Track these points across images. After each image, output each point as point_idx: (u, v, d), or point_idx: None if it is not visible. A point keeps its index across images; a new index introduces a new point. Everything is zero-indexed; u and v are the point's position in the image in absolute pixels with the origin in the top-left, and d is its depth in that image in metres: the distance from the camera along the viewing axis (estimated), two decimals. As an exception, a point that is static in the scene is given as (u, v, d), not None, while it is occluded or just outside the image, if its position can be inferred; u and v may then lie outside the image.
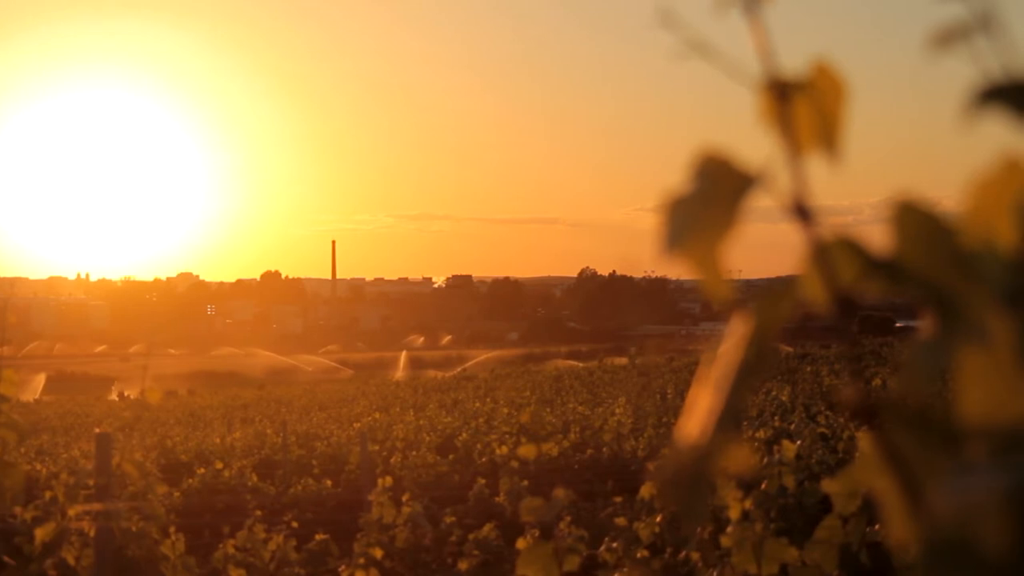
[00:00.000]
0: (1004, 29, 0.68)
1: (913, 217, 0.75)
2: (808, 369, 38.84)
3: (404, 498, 12.18)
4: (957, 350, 0.68)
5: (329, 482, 18.71)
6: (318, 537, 12.83)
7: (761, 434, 15.82)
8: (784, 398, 25.61)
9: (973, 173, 0.71)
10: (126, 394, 47.92)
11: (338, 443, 23.22)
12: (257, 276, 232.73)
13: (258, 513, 12.60)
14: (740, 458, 0.76)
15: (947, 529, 0.57)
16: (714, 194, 0.80)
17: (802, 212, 0.79)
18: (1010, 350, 0.64)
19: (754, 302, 0.80)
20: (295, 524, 12.72)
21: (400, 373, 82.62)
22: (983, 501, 0.57)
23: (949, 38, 0.70)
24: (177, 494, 17.46)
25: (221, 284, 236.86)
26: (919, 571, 0.57)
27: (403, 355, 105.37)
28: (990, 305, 0.65)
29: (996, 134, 0.68)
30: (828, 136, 0.84)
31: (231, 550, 11.53)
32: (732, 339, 0.79)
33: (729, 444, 0.76)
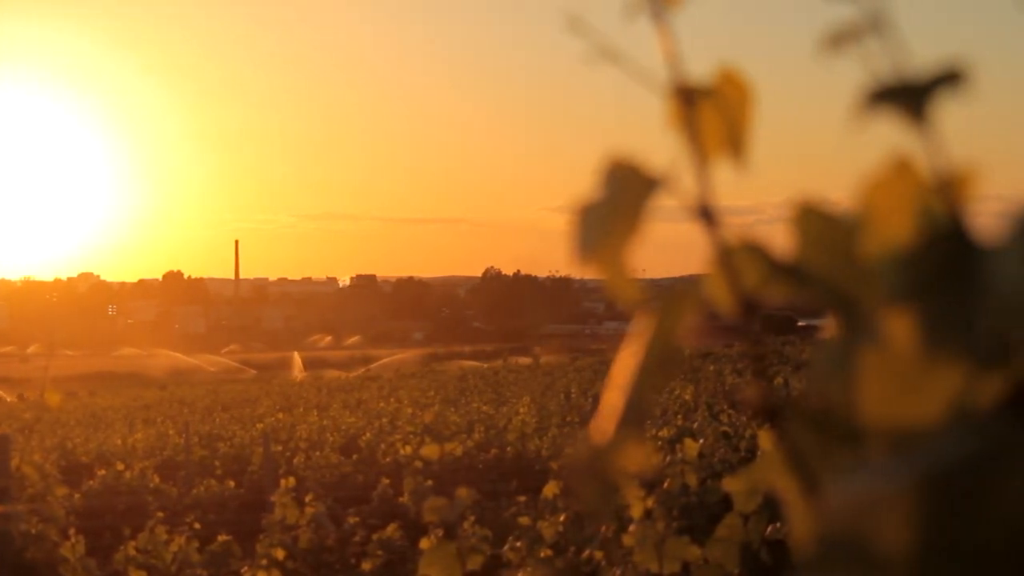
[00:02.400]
0: (893, 30, 0.70)
1: (813, 219, 0.77)
2: (711, 368, 39.07)
3: (307, 499, 12.14)
4: (857, 350, 0.69)
5: (232, 483, 18.59)
6: (220, 538, 12.73)
7: (664, 433, 15.90)
8: (687, 397, 25.74)
9: (865, 174, 0.73)
10: (26, 395, 47.32)
11: (241, 444, 23.10)
12: (159, 276, 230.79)
13: (160, 515, 12.51)
14: (640, 457, 0.77)
15: (839, 526, 0.58)
16: (621, 199, 0.81)
17: (707, 215, 0.80)
18: (906, 349, 0.66)
19: (657, 302, 0.81)
20: (197, 525, 12.65)
21: (296, 373, 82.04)
22: (876, 499, 0.58)
23: (840, 40, 0.72)
24: (77, 496, 17.27)
25: (123, 284, 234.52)
26: (810, 567, 0.59)
27: (295, 355, 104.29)
28: (886, 305, 0.67)
29: (891, 134, 0.69)
30: (734, 141, 0.85)
31: (132, 552, 11.44)
32: (635, 339, 0.81)
33: (629, 443, 0.78)
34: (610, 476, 0.78)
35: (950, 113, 0.68)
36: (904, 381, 0.66)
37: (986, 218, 0.65)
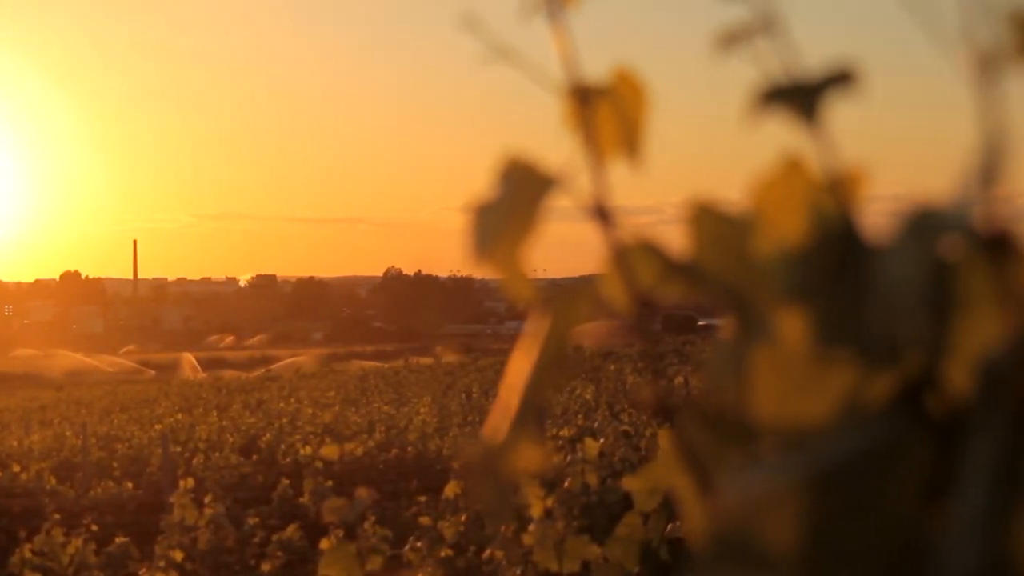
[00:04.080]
0: (784, 31, 0.71)
1: (707, 219, 0.77)
2: (612, 368, 39.21)
3: (206, 500, 12.07)
4: (750, 349, 0.70)
5: (130, 484, 18.41)
6: (118, 540, 12.62)
7: (565, 432, 15.94)
8: (588, 396, 25.84)
9: (756, 174, 0.73)
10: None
11: (139, 445, 22.89)
12: (56, 276, 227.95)
13: (57, 516, 12.38)
14: (534, 456, 0.78)
15: (731, 524, 0.59)
16: (517, 198, 0.81)
17: (603, 214, 0.81)
18: (798, 348, 0.66)
19: (552, 302, 0.81)
20: (95, 527, 12.52)
21: (187, 374, 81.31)
22: (766, 497, 0.59)
23: (733, 40, 0.72)
24: (-28, 498, 17.04)
25: (19, 284, 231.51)
26: (702, 565, 0.59)
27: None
28: (779, 304, 0.67)
29: (787, 134, 0.70)
30: (630, 140, 0.86)
31: (28, 554, 11.31)
32: (530, 339, 0.81)
33: (524, 442, 0.78)
34: (505, 475, 0.78)
35: (840, 113, 0.68)
36: (796, 380, 0.66)
37: (876, 218, 0.66)
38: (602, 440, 12.81)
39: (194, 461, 19.88)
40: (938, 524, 0.56)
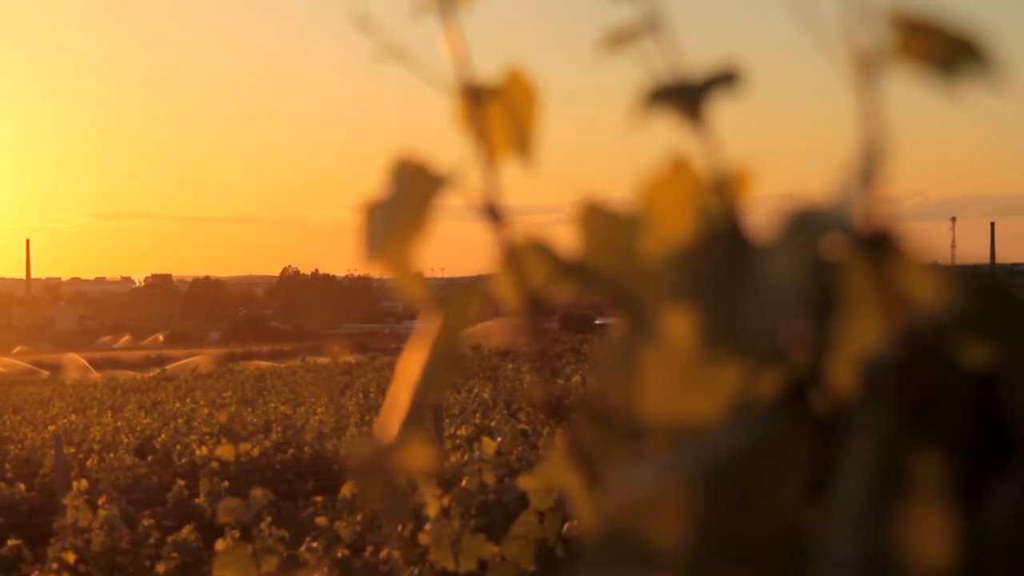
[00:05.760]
0: (670, 31, 0.71)
1: (596, 218, 0.78)
2: (510, 367, 39.26)
3: (100, 501, 11.95)
4: (638, 348, 0.70)
5: (23, 486, 18.19)
6: (10, 542, 12.48)
7: (463, 431, 15.95)
8: (486, 395, 25.87)
9: (643, 173, 0.74)
10: None
11: (32, 446, 22.62)
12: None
13: (-54, 519, 12.20)
14: (424, 455, 0.78)
15: (617, 522, 0.59)
16: (408, 197, 0.82)
17: (493, 214, 0.81)
18: (684, 347, 0.67)
19: (443, 301, 0.81)
20: (-14, 530, 12.36)
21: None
22: (652, 495, 0.59)
23: (619, 41, 0.72)
24: None
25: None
26: (588, 562, 0.59)
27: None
28: (666, 303, 0.68)
29: (675, 134, 0.70)
30: (521, 140, 0.86)
31: (-82, 558, 11.13)
32: (421, 338, 0.81)
33: (413, 442, 0.78)
34: (395, 475, 0.78)
35: (726, 114, 0.69)
36: (682, 379, 0.67)
37: (761, 217, 0.67)
38: (500, 439, 12.82)
39: (88, 462, 19.68)
40: (821, 520, 0.56)
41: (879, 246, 0.58)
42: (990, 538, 0.53)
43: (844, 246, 0.59)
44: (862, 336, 0.60)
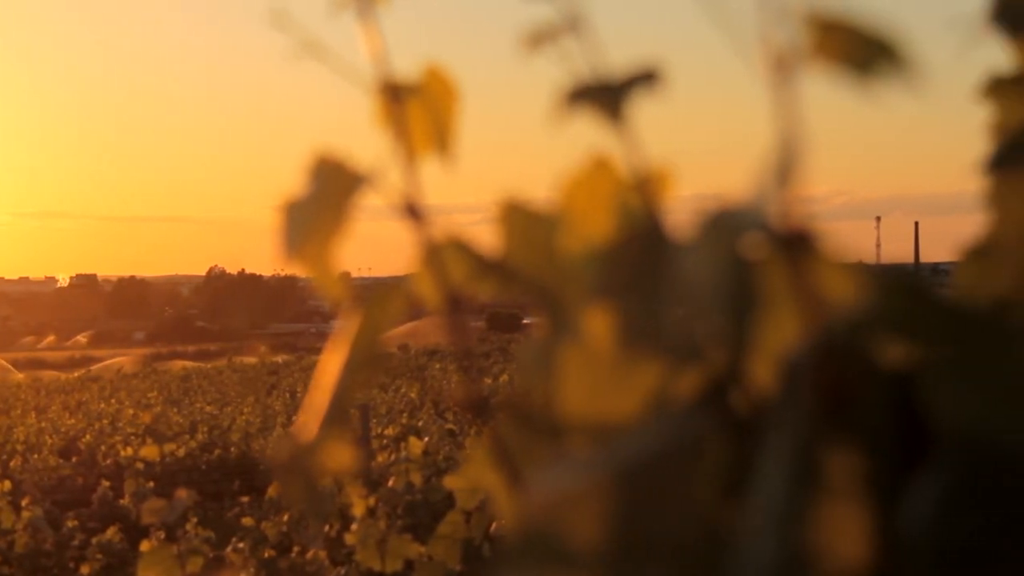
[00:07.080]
0: (590, 31, 0.71)
1: (517, 217, 0.77)
2: (437, 366, 39.27)
3: (24, 502, 11.86)
4: (559, 347, 0.70)
5: (-56, 488, 18.01)
6: (-68, 545, 12.33)
7: (389, 431, 15.96)
8: (413, 395, 25.87)
9: (564, 172, 0.74)
10: None
11: (-46, 447, 22.40)
12: None
13: None
14: (344, 456, 0.77)
15: (536, 521, 0.59)
16: (327, 196, 0.81)
17: (413, 212, 0.81)
18: (604, 346, 0.67)
19: (363, 300, 0.81)
20: (-93, 532, 12.22)
21: None
22: (570, 494, 0.59)
23: (540, 39, 0.72)
24: None
25: None
26: (506, 562, 0.59)
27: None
28: (586, 302, 0.68)
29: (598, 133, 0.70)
30: (441, 138, 0.86)
31: None
32: (341, 337, 0.80)
33: (333, 442, 0.77)
34: (316, 475, 0.78)
35: (646, 113, 0.69)
36: (602, 378, 0.67)
37: (681, 216, 0.67)
38: (427, 439, 12.83)
39: (11, 463, 19.51)
40: (740, 519, 0.56)
41: (796, 245, 0.58)
42: (908, 536, 0.53)
43: (762, 246, 0.59)
44: (780, 335, 0.61)
